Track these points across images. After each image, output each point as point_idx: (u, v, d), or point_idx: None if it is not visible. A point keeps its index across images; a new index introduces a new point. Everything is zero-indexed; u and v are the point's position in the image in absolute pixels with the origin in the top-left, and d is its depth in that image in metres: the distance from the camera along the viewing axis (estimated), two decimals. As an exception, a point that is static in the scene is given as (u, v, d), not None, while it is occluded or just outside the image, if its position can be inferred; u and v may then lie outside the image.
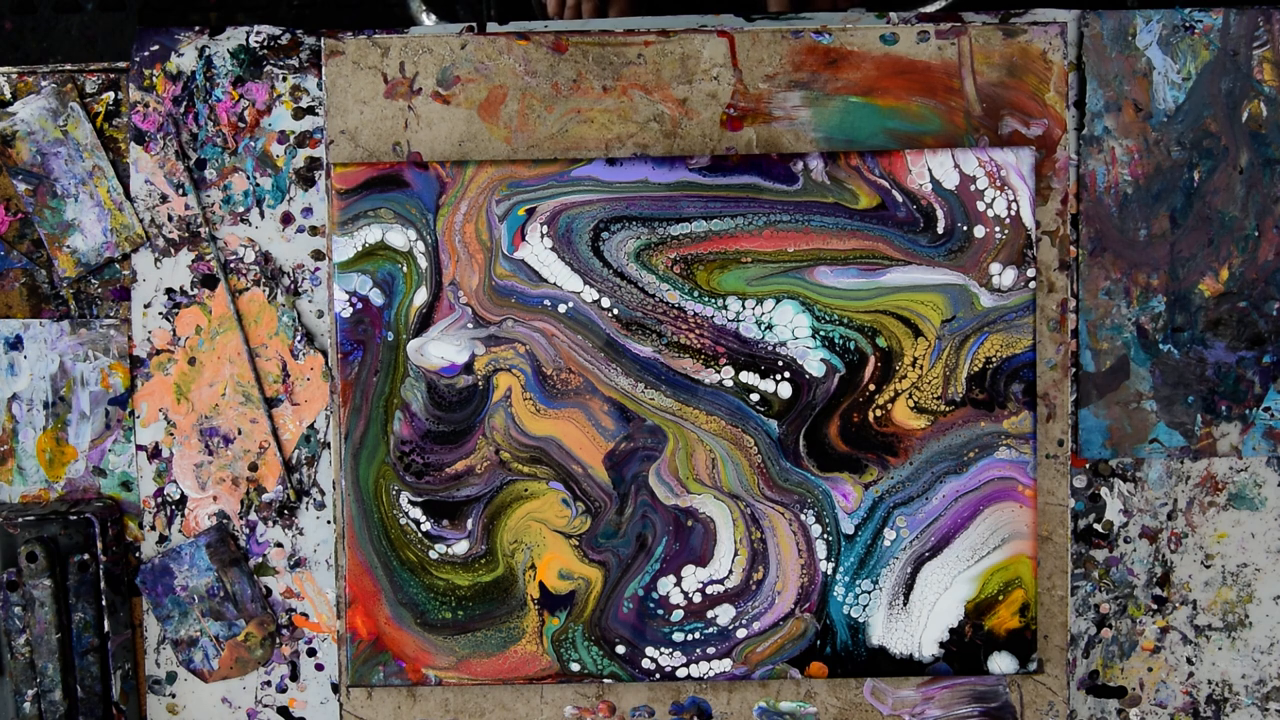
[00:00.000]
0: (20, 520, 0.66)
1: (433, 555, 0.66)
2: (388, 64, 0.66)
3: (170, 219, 0.68)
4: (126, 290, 0.69)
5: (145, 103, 0.68)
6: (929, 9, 0.80)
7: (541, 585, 0.66)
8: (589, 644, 0.66)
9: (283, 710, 0.69)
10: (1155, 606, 0.69)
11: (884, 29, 0.66)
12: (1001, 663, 0.66)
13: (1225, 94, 0.67)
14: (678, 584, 0.66)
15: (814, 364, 0.65)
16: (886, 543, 0.66)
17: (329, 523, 0.69)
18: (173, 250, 0.68)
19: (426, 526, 0.66)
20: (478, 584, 0.66)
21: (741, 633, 0.66)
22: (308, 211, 0.68)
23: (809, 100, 0.66)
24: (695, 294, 0.65)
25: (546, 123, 0.67)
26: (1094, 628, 0.69)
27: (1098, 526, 0.68)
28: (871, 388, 0.65)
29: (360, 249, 0.65)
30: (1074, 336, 0.68)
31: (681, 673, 0.66)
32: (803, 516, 0.66)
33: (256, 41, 0.68)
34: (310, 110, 0.68)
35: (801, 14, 0.68)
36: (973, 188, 0.65)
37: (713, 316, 0.65)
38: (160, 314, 0.68)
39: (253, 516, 0.69)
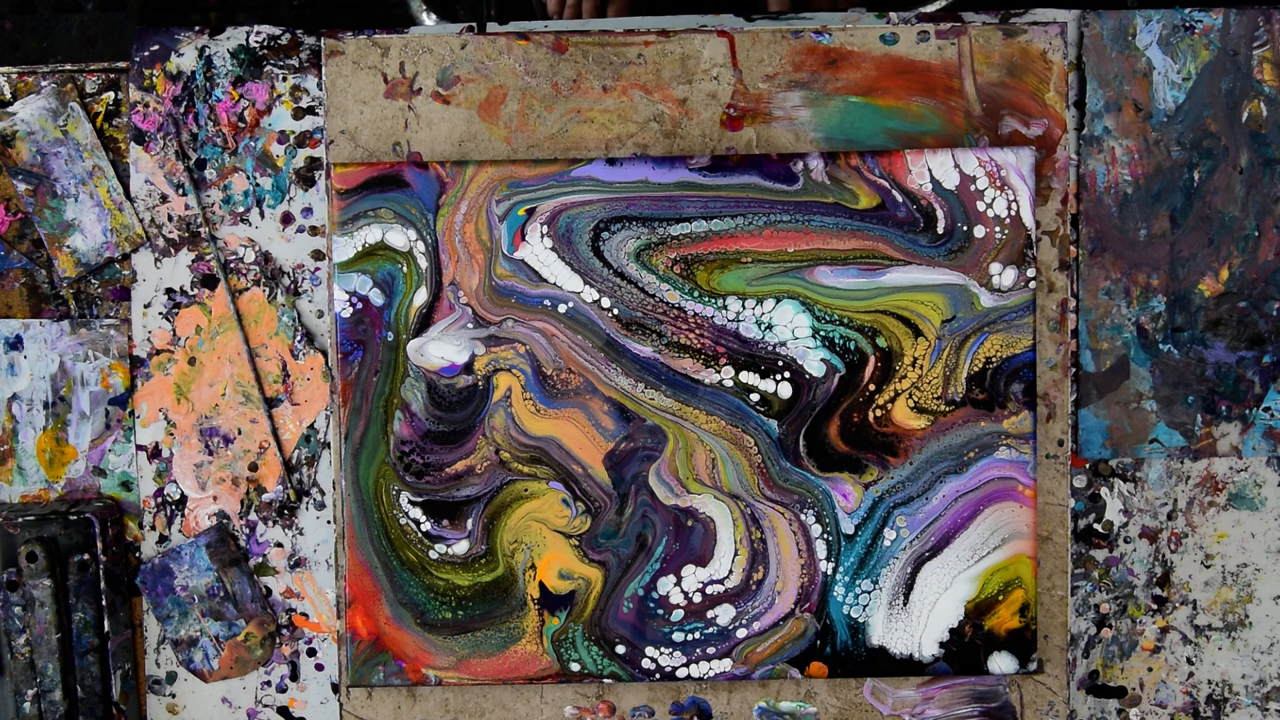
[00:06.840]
0: (20, 520, 0.66)
1: (433, 555, 0.66)
2: (388, 64, 0.66)
3: (170, 219, 0.68)
4: (126, 290, 0.69)
5: (145, 103, 0.68)
6: (929, 9, 0.80)
7: (541, 585, 0.66)
8: (589, 644, 0.66)
9: (283, 710, 0.69)
10: (1155, 606, 0.69)
11: (884, 29, 0.66)
12: (1001, 663, 0.66)
13: (1225, 94, 0.67)
14: (678, 584, 0.66)
15: (814, 364, 0.65)
16: (886, 543, 0.66)
17: (329, 523, 0.69)
18: (173, 250, 0.68)
19: (426, 526, 0.66)
20: (478, 584, 0.66)
21: (741, 633, 0.66)
22: (308, 211, 0.68)
23: (809, 100, 0.66)
24: (695, 294, 0.65)
25: (546, 123, 0.67)
26: (1094, 628, 0.69)
27: (1098, 526, 0.68)
28: (871, 388, 0.65)
29: (360, 249, 0.65)
30: (1074, 336, 0.67)
31: (681, 673, 0.66)
32: (803, 516, 0.66)
33: (256, 41, 0.68)
34: (310, 110, 0.68)
35: (801, 14, 0.68)
36: (973, 188, 0.65)
37: (713, 316, 0.65)
38: (160, 314, 0.68)
39: (253, 516, 0.69)
